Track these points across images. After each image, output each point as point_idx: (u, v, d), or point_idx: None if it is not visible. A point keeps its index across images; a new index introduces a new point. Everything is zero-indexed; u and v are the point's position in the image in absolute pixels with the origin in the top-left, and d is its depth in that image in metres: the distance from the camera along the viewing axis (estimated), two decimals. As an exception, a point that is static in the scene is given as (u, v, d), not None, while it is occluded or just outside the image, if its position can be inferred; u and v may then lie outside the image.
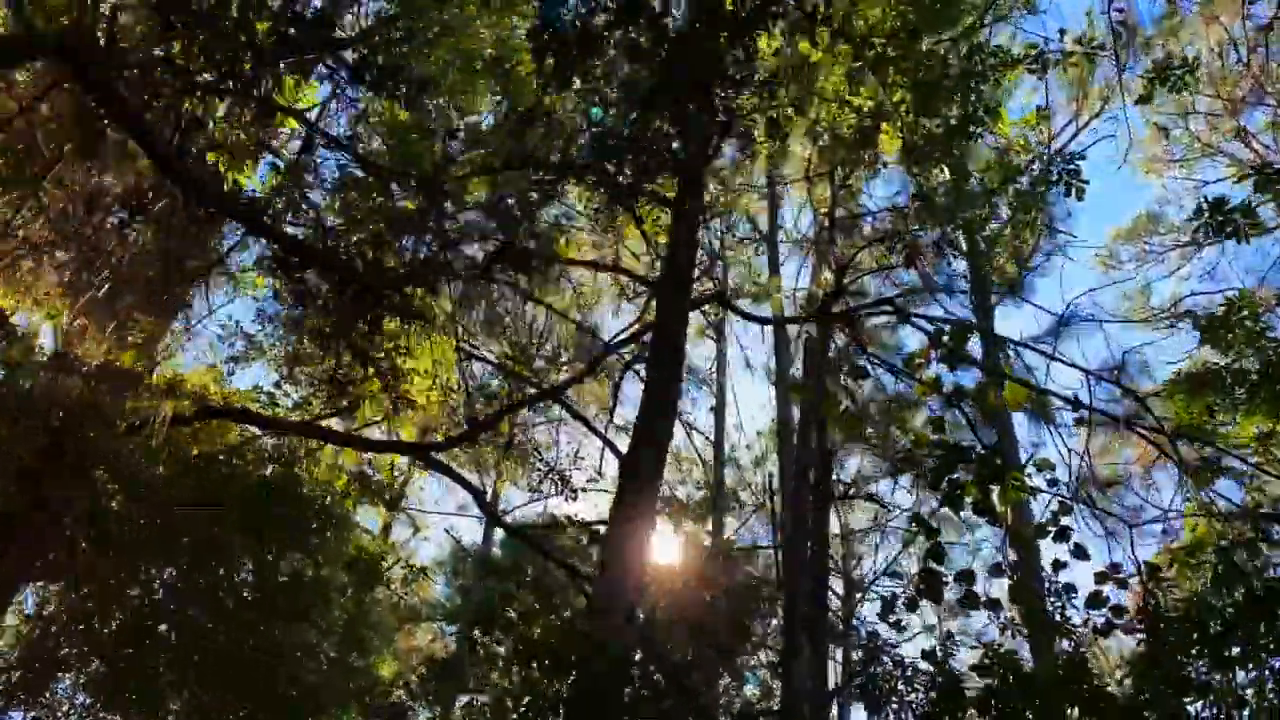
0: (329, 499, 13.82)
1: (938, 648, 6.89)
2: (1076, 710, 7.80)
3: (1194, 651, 6.69)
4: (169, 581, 11.33)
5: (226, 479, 10.69)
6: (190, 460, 10.33)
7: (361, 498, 15.45)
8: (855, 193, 12.54)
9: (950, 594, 6.25)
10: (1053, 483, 6.15)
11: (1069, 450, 7.52)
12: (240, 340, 12.18)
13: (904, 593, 5.90)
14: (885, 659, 8.56)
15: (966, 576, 5.98)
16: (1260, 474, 7.54)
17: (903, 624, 7.00)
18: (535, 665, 8.89)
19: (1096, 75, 21.65)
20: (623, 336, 13.86)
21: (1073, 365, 9.95)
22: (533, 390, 12.79)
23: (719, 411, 22.68)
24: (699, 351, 22.82)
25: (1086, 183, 8.46)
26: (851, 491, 11.21)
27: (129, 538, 10.43)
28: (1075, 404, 7.44)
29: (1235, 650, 6.60)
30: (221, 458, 10.74)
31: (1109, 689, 7.65)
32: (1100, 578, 6.37)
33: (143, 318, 9.38)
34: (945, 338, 6.14)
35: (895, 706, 8.37)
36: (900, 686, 8.57)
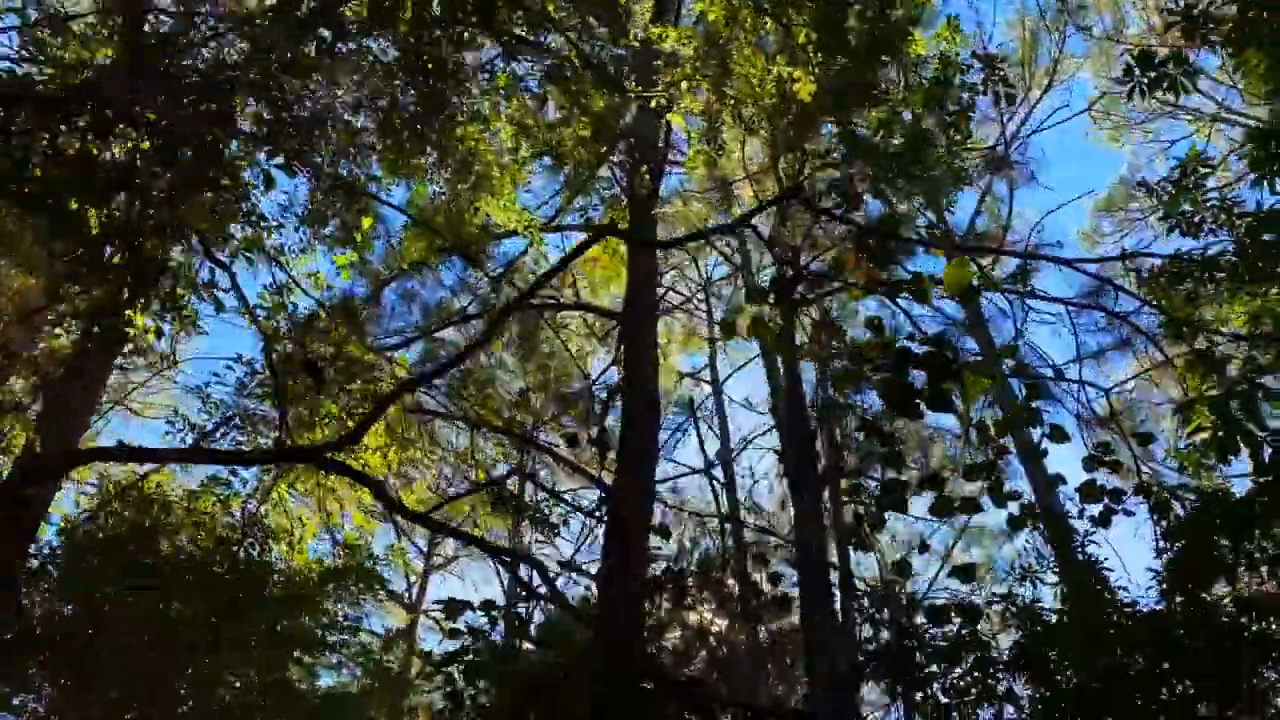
0: (335, 604, 13.11)
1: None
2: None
3: (1214, 540, 6.01)
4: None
5: (182, 582, 10.05)
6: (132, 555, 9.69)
7: (364, 590, 14.69)
8: (799, 179, 12.11)
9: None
10: (1019, 368, 5.54)
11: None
12: (191, 434, 11.60)
13: (867, 508, 5.24)
14: (896, 629, 7.81)
15: (934, 482, 5.31)
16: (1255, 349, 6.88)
17: (869, 544, 6.31)
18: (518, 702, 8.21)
19: (1040, 56, 21.64)
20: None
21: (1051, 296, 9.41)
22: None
23: (724, 446, 22.05)
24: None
25: (1013, 88, 8.00)
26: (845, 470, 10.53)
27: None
28: (1023, 276, 6.84)
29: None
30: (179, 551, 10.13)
31: (1136, 611, 6.97)
32: (1090, 463, 5.70)
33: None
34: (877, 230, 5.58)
35: (920, 677, 7.61)
36: (920, 658, 7.83)
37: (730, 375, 22.18)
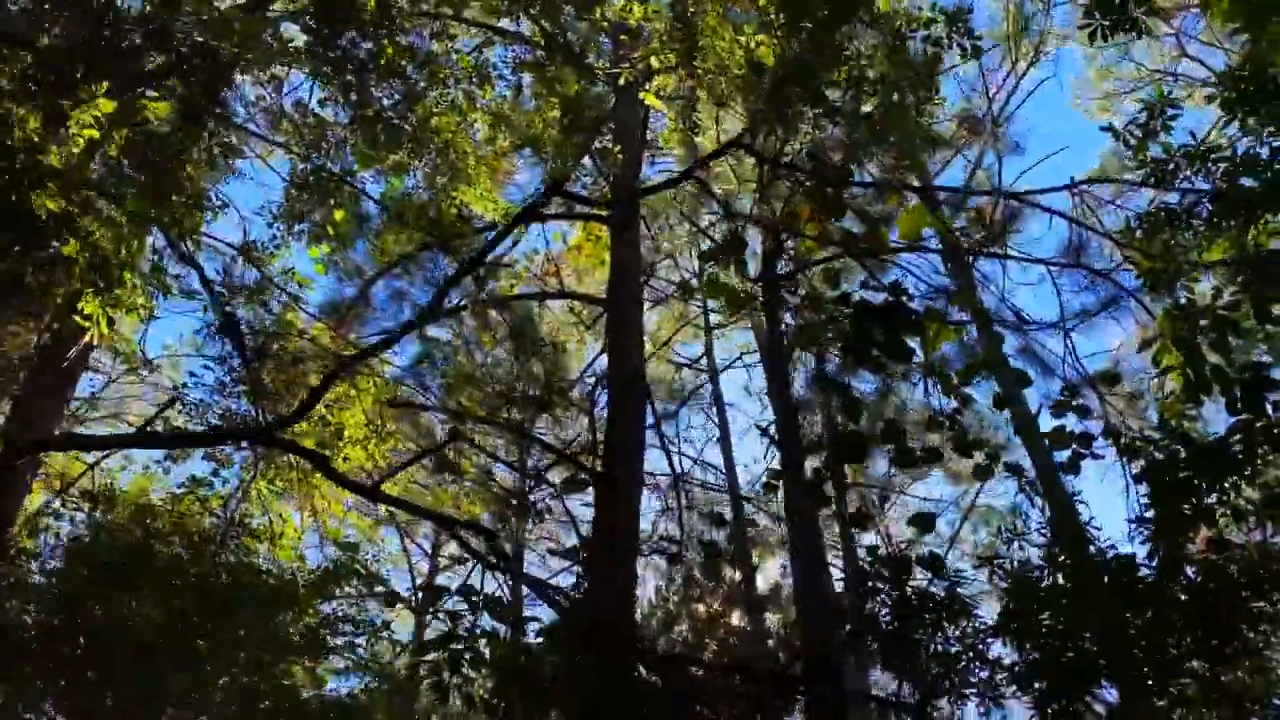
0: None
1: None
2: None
3: (1192, 484, 5.83)
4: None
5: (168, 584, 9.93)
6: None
7: (365, 593, 14.48)
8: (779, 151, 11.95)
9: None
10: (983, 318, 5.39)
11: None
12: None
13: (825, 463, 5.09)
14: (882, 595, 7.62)
15: (893, 434, 5.16)
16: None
17: (828, 498, 6.16)
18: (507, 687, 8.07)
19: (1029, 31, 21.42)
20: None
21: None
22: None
23: (724, 442, 21.84)
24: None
25: (979, 39, 7.84)
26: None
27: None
28: (980, 215, 6.68)
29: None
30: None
31: (1127, 563, 6.78)
32: (1058, 408, 5.54)
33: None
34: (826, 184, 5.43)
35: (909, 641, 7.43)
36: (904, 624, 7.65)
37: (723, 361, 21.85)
